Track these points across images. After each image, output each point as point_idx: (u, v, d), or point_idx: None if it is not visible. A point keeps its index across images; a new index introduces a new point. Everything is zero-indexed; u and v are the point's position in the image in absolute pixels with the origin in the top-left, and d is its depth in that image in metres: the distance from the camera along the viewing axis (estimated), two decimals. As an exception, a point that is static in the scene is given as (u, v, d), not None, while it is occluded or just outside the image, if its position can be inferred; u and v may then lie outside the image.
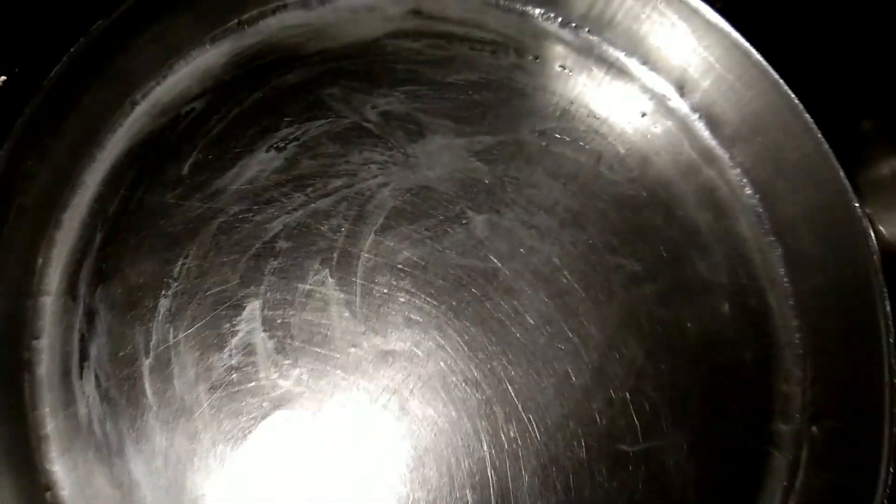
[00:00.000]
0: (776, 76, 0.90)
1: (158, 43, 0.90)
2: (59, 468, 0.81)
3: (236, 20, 0.95)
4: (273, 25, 0.96)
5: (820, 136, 0.88)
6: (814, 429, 0.87)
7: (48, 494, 0.80)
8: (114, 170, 0.90)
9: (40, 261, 0.86)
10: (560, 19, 0.99)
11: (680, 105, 0.97)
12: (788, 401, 0.89)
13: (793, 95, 0.89)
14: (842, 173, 0.87)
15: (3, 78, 0.99)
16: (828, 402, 0.87)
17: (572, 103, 0.97)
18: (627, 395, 0.87)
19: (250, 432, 0.83)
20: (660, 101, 0.97)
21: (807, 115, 0.89)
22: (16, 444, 0.79)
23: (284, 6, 0.97)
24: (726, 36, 0.91)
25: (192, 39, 0.93)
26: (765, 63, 0.90)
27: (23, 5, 0.88)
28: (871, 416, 0.83)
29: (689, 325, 0.90)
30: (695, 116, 0.97)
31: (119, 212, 0.89)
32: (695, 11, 0.91)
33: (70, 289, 0.86)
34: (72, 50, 0.82)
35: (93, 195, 0.89)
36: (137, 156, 0.91)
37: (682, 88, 0.97)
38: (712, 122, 0.96)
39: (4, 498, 0.76)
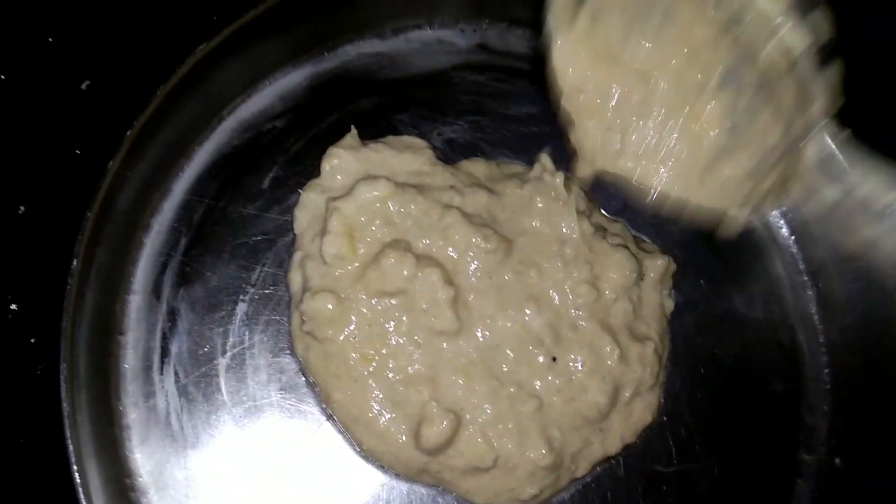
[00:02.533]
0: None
1: (247, 63, 0.93)
2: (138, 456, 0.84)
3: (318, 46, 0.98)
4: (350, 52, 0.99)
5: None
6: (837, 461, 0.90)
7: (128, 481, 0.83)
8: (199, 180, 0.93)
9: (129, 261, 0.89)
10: (616, 59, 1.02)
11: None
12: (813, 432, 0.92)
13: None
14: (876, 221, 0.89)
15: (88, 82, 1.02)
16: (851, 435, 0.90)
17: (624, 141, 1.00)
18: (664, 418, 0.90)
19: (316, 433, 0.86)
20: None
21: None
22: (100, 431, 0.82)
23: (361, 35, 0.99)
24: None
25: (277, 62, 0.96)
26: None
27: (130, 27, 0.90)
28: (894, 451, 0.86)
29: (723, 355, 0.93)
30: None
31: (203, 219, 0.92)
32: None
33: (155, 289, 0.89)
34: (178, 69, 0.85)
35: (179, 203, 0.92)
36: (222, 168, 0.94)
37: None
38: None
39: (92, 482, 0.79)
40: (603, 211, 0.96)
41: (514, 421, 0.82)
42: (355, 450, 0.85)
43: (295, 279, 0.87)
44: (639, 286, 0.88)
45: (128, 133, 0.83)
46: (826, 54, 0.73)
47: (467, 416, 0.81)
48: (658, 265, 0.89)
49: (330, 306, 0.82)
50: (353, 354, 0.83)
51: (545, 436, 0.82)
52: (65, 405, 0.78)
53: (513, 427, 0.82)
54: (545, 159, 0.92)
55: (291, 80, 0.98)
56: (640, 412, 0.86)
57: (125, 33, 0.89)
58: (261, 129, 0.96)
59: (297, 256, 0.87)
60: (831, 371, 0.93)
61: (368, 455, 0.84)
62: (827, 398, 0.93)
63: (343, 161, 0.89)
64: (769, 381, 0.93)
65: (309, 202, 0.89)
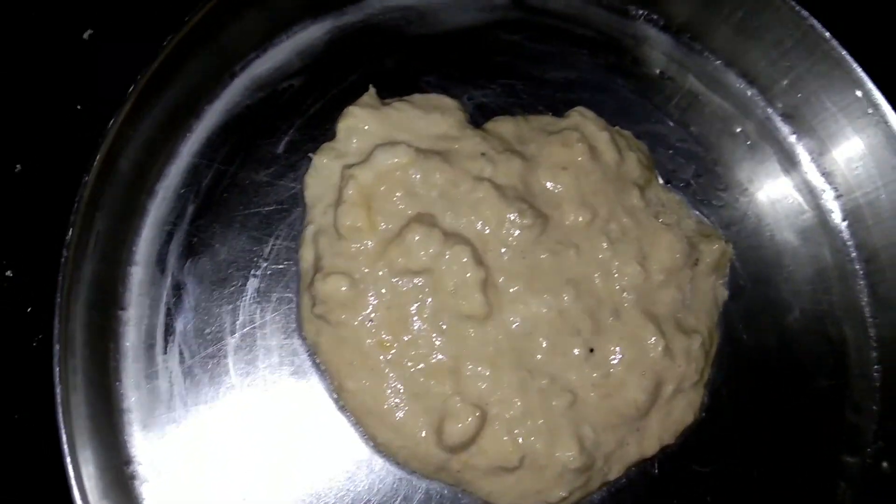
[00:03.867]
0: (885, 104, 0.84)
1: (262, 15, 0.84)
2: (138, 442, 0.77)
3: (339, -3, 0.89)
4: (375, 5, 0.91)
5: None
6: (884, 465, 0.83)
7: (127, 468, 0.76)
8: (209, 142, 0.85)
9: (131, 230, 0.81)
10: (662, 22, 0.93)
11: (777, 126, 0.92)
12: (858, 433, 0.85)
13: (896, 129, 0.84)
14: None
15: (90, 31, 0.94)
16: (900, 439, 0.83)
17: (667, 112, 0.92)
18: (704, 415, 0.83)
19: (329, 422, 0.79)
20: (758, 119, 0.92)
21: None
22: (98, 415, 0.75)
23: (386, -15, 0.90)
24: (834, 55, 0.85)
25: (296, 14, 0.88)
26: (873, 89, 0.84)
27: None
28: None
29: (766, 348, 0.86)
30: (791, 138, 0.92)
31: (212, 186, 0.84)
32: (806, 27, 0.85)
33: (159, 260, 0.81)
34: (187, 18, 0.76)
35: (187, 166, 0.84)
36: (233, 130, 0.85)
37: (781, 108, 0.91)
38: (808, 146, 0.91)
39: (86, 469, 0.72)
40: (662, 180, 0.87)
41: (544, 417, 0.75)
42: (369, 444, 0.78)
43: (306, 256, 0.79)
44: (692, 271, 0.81)
45: (131, 88, 0.74)
46: None
47: (493, 411, 0.74)
48: (714, 250, 0.82)
49: (344, 288, 0.74)
50: (369, 340, 0.75)
51: (577, 434, 0.75)
52: (58, 388, 0.70)
53: (542, 424, 0.75)
54: (584, 110, 0.84)
55: (310, 34, 0.89)
56: (680, 411, 0.79)
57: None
58: (276, 87, 0.87)
59: (308, 231, 0.79)
60: (881, 368, 0.86)
61: (382, 450, 0.77)
62: (875, 397, 0.86)
63: (361, 121, 0.81)
64: (813, 377, 0.86)
65: (322, 168, 0.81)
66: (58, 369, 0.70)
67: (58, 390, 0.69)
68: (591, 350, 0.76)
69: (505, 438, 0.74)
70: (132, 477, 0.76)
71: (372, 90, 0.84)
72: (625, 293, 0.79)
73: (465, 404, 0.73)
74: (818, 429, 0.85)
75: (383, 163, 0.78)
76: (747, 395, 0.84)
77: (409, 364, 0.75)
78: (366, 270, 0.76)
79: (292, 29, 0.88)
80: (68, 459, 0.70)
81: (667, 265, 0.80)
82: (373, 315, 0.75)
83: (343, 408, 0.78)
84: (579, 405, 0.76)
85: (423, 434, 0.74)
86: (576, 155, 0.81)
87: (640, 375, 0.76)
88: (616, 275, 0.79)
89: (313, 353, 0.79)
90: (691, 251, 0.82)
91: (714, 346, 0.82)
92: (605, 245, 0.79)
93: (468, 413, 0.73)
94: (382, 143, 0.79)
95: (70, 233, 0.72)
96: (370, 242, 0.77)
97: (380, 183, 0.78)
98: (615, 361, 0.77)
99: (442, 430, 0.73)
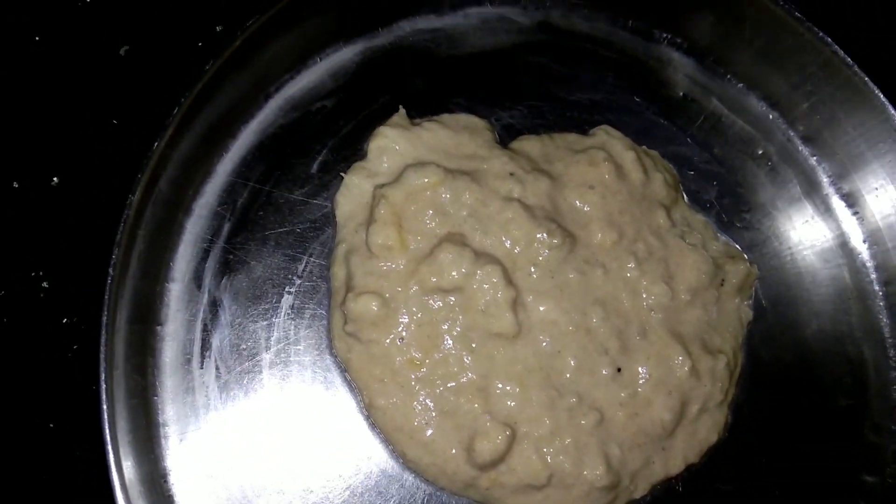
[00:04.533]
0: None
1: (296, 38, 0.86)
2: (176, 455, 0.79)
3: (371, 21, 0.90)
4: (405, 28, 0.92)
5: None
6: (903, 484, 0.84)
7: (164, 480, 0.78)
8: (244, 162, 0.86)
9: (170, 247, 0.82)
10: (686, 46, 0.95)
11: (799, 149, 0.93)
12: (878, 452, 0.86)
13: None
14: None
15: (126, 47, 0.95)
16: (920, 459, 0.84)
17: (691, 133, 0.93)
18: (727, 435, 0.84)
19: (363, 434, 0.81)
20: (779, 143, 0.93)
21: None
22: (137, 428, 0.76)
23: (417, 9, 0.92)
24: (856, 81, 0.86)
25: (328, 38, 0.89)
26: (894, 114, 0.85)
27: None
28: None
29: (787, 368, 0.87)
30: (811, 161, 0.93)
31: (248, 204, 0.85)
32: (828, 53, 0.86)
33: (196, 277, 0.83)
34: (227, 42, 0.78)
35: (223, 185, 0.85)
36: (268, 149, 0.87)
37: (802, 131, 0.93)
38: (829, 169, 0.92)
39: (128, 480, 0.73)
40: (687, 200, 0.89)
41: (571, 436, 0.76)
42: (399, 461, 0.79)
43: (338, 274, 0.80)
44: (717, 292, 0.82)
45: (175, 111, 0.75)
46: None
47: (522, 430, 0.76)
48: (739, 271, 0.83)
49: (375, 307, 0.76)
50: (400, 358, 0.77)
51: (604, 453, 0.76)
52: (104, 403, 0.71)
53: (570, 443, 0.76)
54: (609, 129, 0.85)
55: (342, 56, 0.90)
56: (706, 431, 0.80)
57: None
58: (309, 108, 0.88)
59: (340, 250, 0.81)
60: (900, 389, 0.87)
61: (412, 467, 0.78)
62: (894, 416, 0.86)
63: (391, 141, 0.82)
64: (833, 397, 0.87)
65: (353, 187, 0.83)
66: (105, 386, 0.71)
67: (104, 406, 0.71)
68: (619, 369, 0.78)
69: (533, 457, 0.75)
70: (168, 489, 0.77)
71: (402, 111, 0.86)
72: (652, 312, 0.80)
73: (494, 422, 0.75)
74: (838, 448, 0.85)
75: (413, 182, 0.79)
76: (769, 414, 0.85)
77: (439, 382, 0.76)
78: (398, 289, 0.77)
79: (325, 51, 0.89)
80: (114, 471, 0.71)
81: (693, 285, 0.81)
82: (403, 333, 0.77)
83: (373, 425, 0.79)
84: (606, 424, 0.77)
85: (453, 451, 0.75)
86: (602, 174, 0.83)
87: (667, 395, 0.78)
88: (643, 294, 0.80)
89: (344, 369, 0.80)
90: (717, 272, 0.83)
91: (738, 367, 0.83)
92: (632, 265, 0.80)
93: (498, 431, 0.74)
94: (413, 163, 0.81)
95: (115, 252, 0.73)
96: (402, 261, 0.78)
97: (410, 202, 0.79)
98: (642, 381, 0.78)
99: (472, 448, 0.74)
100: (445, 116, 0.87)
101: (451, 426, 0.76)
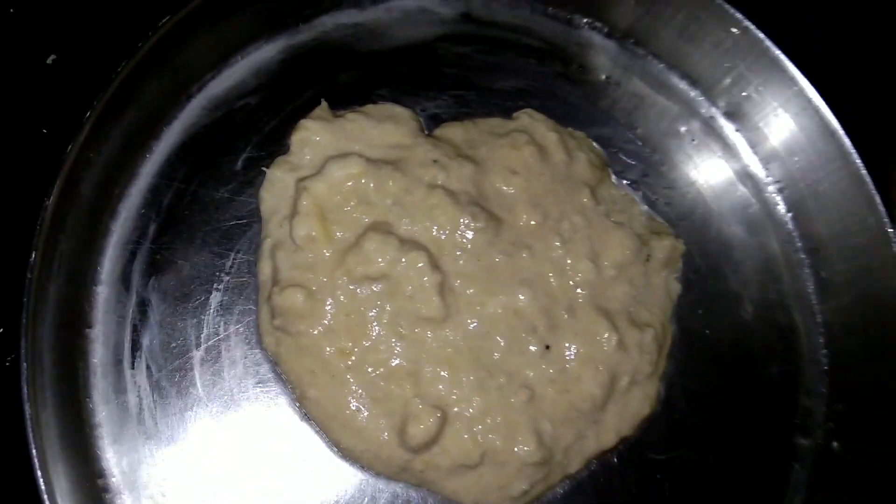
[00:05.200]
0: (818, 98, 0.87)
1: (216, 37, 0.86)
2: (110, 456, 0.78)
3: (292, 17, 0.90)
4: (327, 24, 0.92)
5: (857, 160, 0.85)
6: (835, 444, 0.86)
7: (99, 481, 0.77)
8: (169, 162, 0.86)
9: (95, 250, 0.82)
10: (606, 30, 0.96)
11: (721, 124, 0.94)
12: (810, 415, 0.87)
13: (832, 118, 0.86)
14: (878, 198, 0.84)
15: (53, 56, 0.95)
16: (849, 419, 0.85)
17: (614, 115, 0.94)
18: (661, 407, 0.85)
19: (296, 429, 0.81)
20: (702, 118, 0.94)
21: (845, 139, 0.86)
22: (69, 431, 0.76)
23: (338, 5, 0.92)
24: (770, 54, 0.87)
25: (249, 35, 0.89)
26: (807, 84, 0.87)
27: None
28: (892, 435, 0.82)
29: (719, 337, 0.88)
30: (735, 135, 0.94)
31: (173, 204, 0.85)
32: (742, 28, 0.88)
33: (124, 279, 0.82)
34: (140, 44, 0.78)
35: (148, 186, 0.85)
36: (191, 149, 0.87)
37: (723, 107, 0.94)
38: (751, 141, 0.94)
39: (59, 484, 0.73)
40: (614, 178, 0.90)
41: (502, 414, 0.76)
42: (334, 450, 0.79)
43: (264, 269, 0.81)
44: (644, 267, 0.83)
45: (88, 113, 0.75)
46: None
47: (453, 411, 0.76)
48: (665, 246, 0.84)
49: (301, 300, 0.76)
50: (329, 348, 0.77)
51: (535, 429, 0.77)
52: (27, 406, 0.71)
53: (501, 421, 0.76)
54: (533, 112, 0.86)
55: (264, 53, 0.90)
56: (637, 403, 0.81)
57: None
58: (232, 106, 0.89)
59: (266, 245, 0.81)
60: (829, 353, 0.88)
61: (347, 455, 0.78)
62: (824, 380, 0.88)
63: (313, 133, 0.83)
64: (766, 364, 0.88)
65: (276, 181, 0.83)
66: (26, 388, 0.71)
67: (27, 408, 0.70)
68: (547, 347, 0.78)
69: (465, 437, 0.76)
70: (104, 490, 0.77)
71: (324, 104, 0.86)
72: (578, 290, 0.81)
73: (425, 406, 0.75)
74: (772, 413, 0.87)
75: (335, 174, 0.80)
76: (702, 384, 0.86)
77: (370, 369, 0.77)
78: (324, 280, 0.77)
79: (246, 49, 0.89)
80: (39, 475, 0.71)
81: (618, 261, 0.82)
82: (332, 323, 0.77)
83: (306, 416, 0.79)
84: (537, 401, 0.77)
85: (386, 436, 0.76)
86: (525, 156, 0.83)
87: (595, 370, 0.78)
88: (569, 272, 0.81)
89: (275, 363, 0.80)
90: (642, 247, 0.84)
91: (668, 339, 0.84)
92: (557, 244, 0.81)
93: (429, 414, 0.75)
94: (335, 155, 0.81)
95: (33, 256, 0.73)
96: (327, 252, 0.78)
97: (334, 193, 0.80)
98: (570, 357, 0.78)
99: (404, 432, 0.74)
100: (369, 107, 0.88)
101: (382, 412, 0.76)
